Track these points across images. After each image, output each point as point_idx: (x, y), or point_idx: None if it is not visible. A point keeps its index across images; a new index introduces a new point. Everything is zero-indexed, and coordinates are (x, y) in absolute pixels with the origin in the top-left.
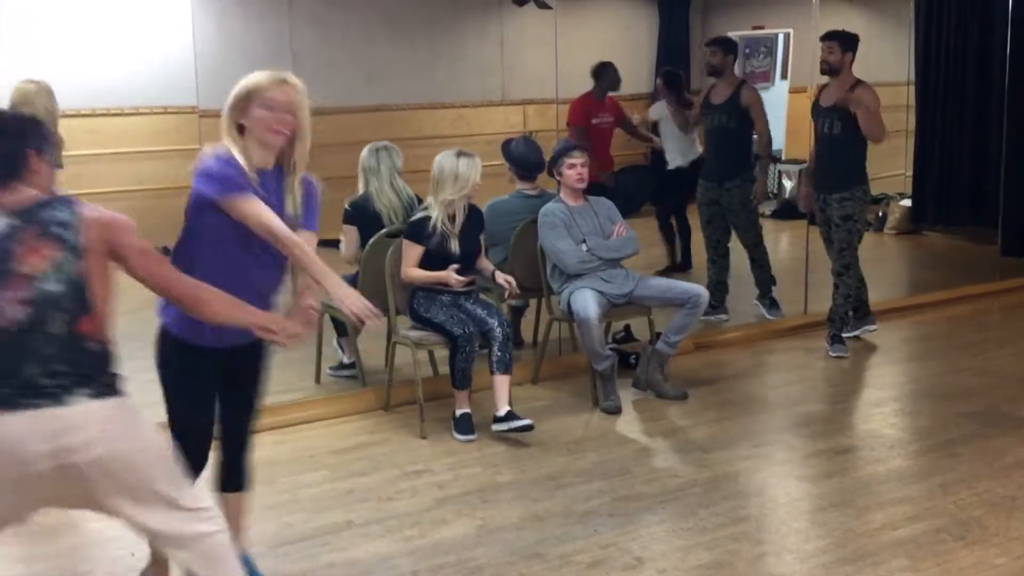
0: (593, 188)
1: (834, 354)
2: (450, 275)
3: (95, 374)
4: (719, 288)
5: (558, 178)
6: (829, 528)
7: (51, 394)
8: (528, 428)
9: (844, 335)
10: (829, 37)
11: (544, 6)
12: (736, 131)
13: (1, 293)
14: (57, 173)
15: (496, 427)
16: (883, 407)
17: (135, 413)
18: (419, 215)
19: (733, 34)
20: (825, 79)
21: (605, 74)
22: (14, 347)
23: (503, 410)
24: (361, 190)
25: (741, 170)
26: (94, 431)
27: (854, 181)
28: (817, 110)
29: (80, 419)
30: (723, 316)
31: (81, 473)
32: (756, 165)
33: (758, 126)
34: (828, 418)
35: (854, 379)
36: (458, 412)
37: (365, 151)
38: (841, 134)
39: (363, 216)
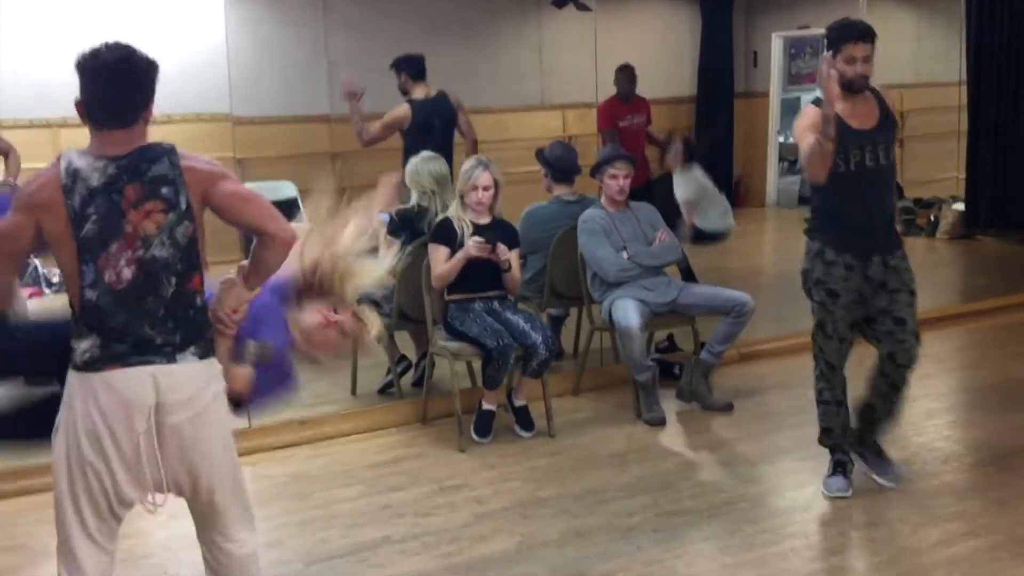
0: (634, 193)
1: (834, 493)
2: (468, 247)
3: (201, 333)
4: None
5: (601, 183)
6: (881, 545)
7: (164, 352)
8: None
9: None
10: (869, 37)
11: (583, 8)
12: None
13: (115, 253)
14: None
15: (507, 411)
16: (936, 419)
17: (224, 398)
18: (441, 217)
19: (778, 34)
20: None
21: (622, 75)
22: (129, 306)
23: (519, 403)
24: (414, 201)
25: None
26: (196, 389)
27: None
28: (850, 135)
29: (187, 377)
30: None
31: (175, 433)
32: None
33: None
34: None
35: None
36: (484, 406)
37: (428, 164)
38: (890, 165)
39: (411, 231)
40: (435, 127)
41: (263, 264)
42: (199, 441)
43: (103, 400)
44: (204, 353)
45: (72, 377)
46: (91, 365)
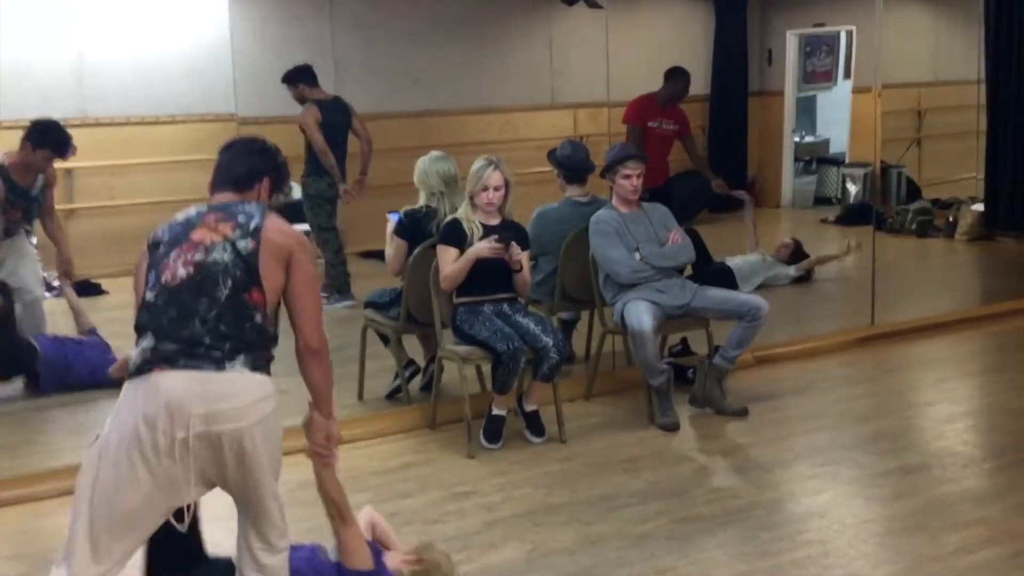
0: (653, 192)
1: None
2: (478, 247)
3: (255, 345)
4: None
5: (612, 184)
6: (900, 552)
7: (213, 358)
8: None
9: None
10: None
11: (595, 5)
12: None
13: (176, 257)
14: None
15: (518, 416)
16: (956, 423)
17: (278, 413)
18: (450, 218)
19: (793, 32)
20: None
21: (673, 80)
22: (181, 302)
23: (530, 408)
24: (423, 202)
25: None
26: (248, 401)
27: None
28: None
29: (237, 387)
30: None
31: (218, 443)
32: None
33: None
34: (897, 435)
35: (924, 393)
36: (493, 411)
37: (437, 164)
38: None
39: (419, 232)
40: (337, 124)
41: (312, 388)
42: (247, 453)
43: (148, 403)
44: (256, 367)
45: (124, 388)
46: (142, 369)
